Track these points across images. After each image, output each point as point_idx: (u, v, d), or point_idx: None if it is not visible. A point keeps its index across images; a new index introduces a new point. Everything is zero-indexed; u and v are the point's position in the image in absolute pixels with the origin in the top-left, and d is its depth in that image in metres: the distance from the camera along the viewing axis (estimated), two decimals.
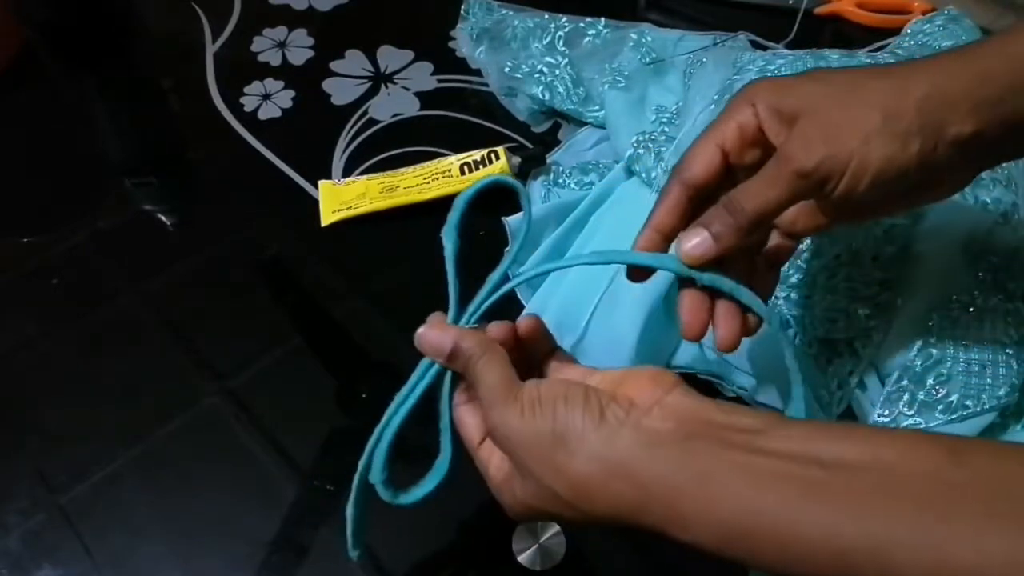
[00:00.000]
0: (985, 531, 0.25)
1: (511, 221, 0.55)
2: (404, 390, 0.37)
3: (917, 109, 0.33)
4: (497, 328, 0.37)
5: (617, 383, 0.33)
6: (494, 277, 0.39)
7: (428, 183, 0.61)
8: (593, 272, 0.51)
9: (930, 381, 0.45)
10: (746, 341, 0.49)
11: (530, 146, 0.65)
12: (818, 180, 0.34)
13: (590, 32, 0.69)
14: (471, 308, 0.38)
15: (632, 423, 0.31)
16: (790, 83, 0.36)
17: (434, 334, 0.36)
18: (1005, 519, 0.25)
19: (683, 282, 0.38)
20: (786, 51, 0.62)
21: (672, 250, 0.38)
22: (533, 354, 0.38)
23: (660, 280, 0.50)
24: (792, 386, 0.37)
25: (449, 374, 0.37)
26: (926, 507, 0.26)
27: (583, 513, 0.31)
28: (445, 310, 0.38)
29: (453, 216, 0.39)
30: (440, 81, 0.71)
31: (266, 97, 0.70)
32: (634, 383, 0.33)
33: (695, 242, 0.36)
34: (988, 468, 0.26)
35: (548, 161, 0.62)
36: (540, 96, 0.66)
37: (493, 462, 0.35)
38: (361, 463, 0.38)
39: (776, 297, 0.49)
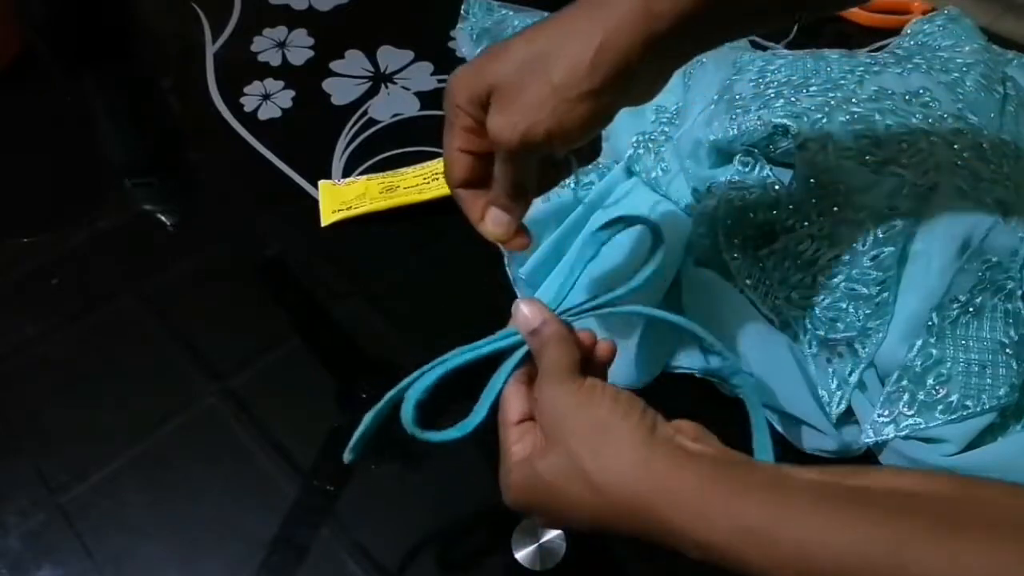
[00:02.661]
0: (999, 547, 0.26)
1: None
2: (475, 344, 0.39)
3: (591, 70, 0.35)
4: (583, 333, 0.40)
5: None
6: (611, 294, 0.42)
7: (428, 183, 0.61)
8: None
9: (930, 381, 0.45)
10: (745, 342, 0.49)
11: None
12: (531, 147, 0.37)
13: None
14: (570, 307, 0.41)
15: (677, 442, 0.33)
16: (478, 69, 0.38)
17: (530, 308, 0.39)
18: (1018, 535, 0.26)
19: None
20: (786, 51, 0.62)
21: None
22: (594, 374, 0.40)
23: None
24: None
25: (521, 352, 0.39)
26: (940, 523, 0.27)
27: (602, 499, 0.32)
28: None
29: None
30: (440, 81, 0.71)
31: (266, 97, 0.70)
32: (683, 421, 0.35)
33: (491, 222, 0.41)
34: (998, 493, 0.28)
35: None
36: None
37: (521, 443, 0.36)
38: (400, 384, 0.39)
39: (776, 298, 0.49)
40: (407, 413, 0.38)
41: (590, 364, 0.39)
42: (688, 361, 0.50)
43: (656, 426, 0.34)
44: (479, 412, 0.39)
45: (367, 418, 0.39)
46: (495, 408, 0.38)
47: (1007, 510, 0.27)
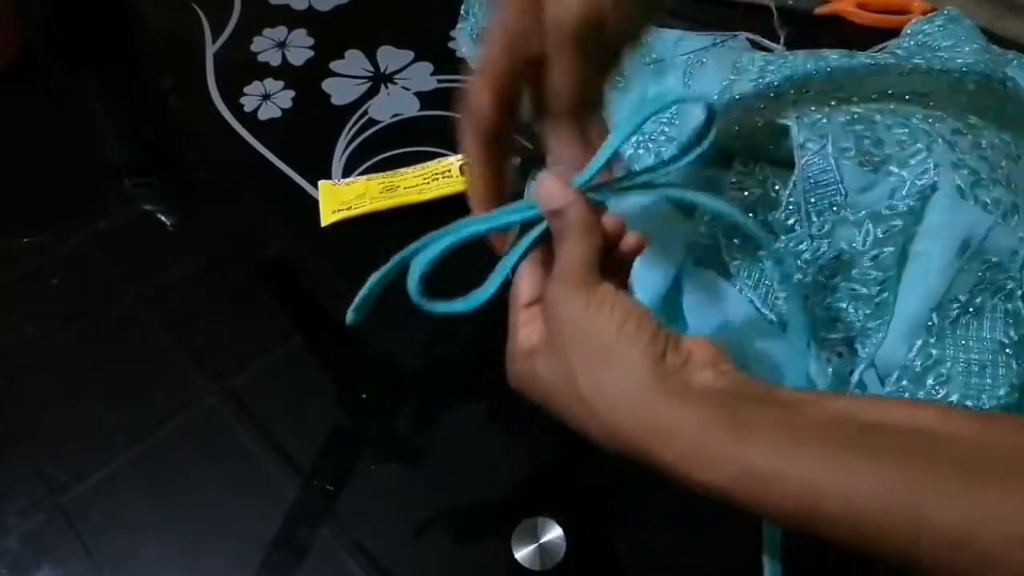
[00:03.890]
0: (1018, 494, 0.25)
1: None
2: (489, 214, 0.37)
3: None
4: (611, 219, 0.36)
5: (682, 336, 0.33)
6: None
7: (428, 183, 0.61)
8: None
9: (930, 381, 0.45)
10: (745, 342, 0.49)
11: (530, 146, 0.65)
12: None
13: None
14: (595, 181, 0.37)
15: (686, 373, 0.31)
16: None
17: (555, 186, 0.35)
18: None
19: None
20: (786, 51, 0.62)
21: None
22: (614, 269, 0.37)
23: (660, 277, 0.50)
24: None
25: (540, 229, 0.36)
26: (960, 468, 0.26)
27: (594, 420, 0.31)
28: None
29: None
30: (440, 81, 0.71)
31: (266, 97, 0.70)
32: (699, 341, 0.33)
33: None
34: (1015, 436, 0.27)
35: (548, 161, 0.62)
36: None
37: (528, 328, 0.35)
38: (410, 248, 0.37)
39: (776, 297, 0.49)
40: (412, 282, 0.36)
41: (611, 255, 0.36)
42: None
43: (666, 354, 0.31)
44: (488, 288, 0.37)
45: (372, 279, 0.38)
46: (506, 287, 0.36)
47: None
